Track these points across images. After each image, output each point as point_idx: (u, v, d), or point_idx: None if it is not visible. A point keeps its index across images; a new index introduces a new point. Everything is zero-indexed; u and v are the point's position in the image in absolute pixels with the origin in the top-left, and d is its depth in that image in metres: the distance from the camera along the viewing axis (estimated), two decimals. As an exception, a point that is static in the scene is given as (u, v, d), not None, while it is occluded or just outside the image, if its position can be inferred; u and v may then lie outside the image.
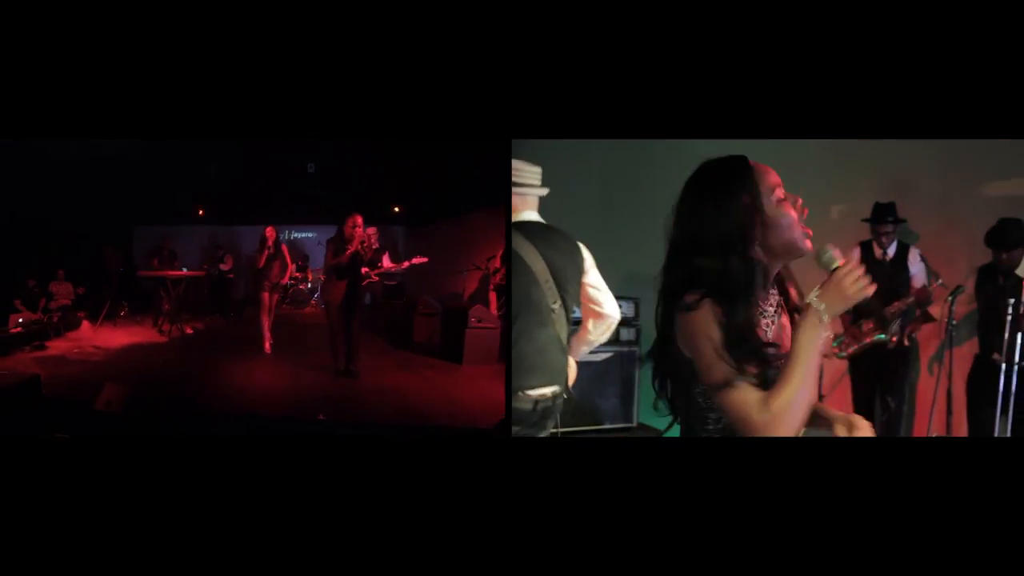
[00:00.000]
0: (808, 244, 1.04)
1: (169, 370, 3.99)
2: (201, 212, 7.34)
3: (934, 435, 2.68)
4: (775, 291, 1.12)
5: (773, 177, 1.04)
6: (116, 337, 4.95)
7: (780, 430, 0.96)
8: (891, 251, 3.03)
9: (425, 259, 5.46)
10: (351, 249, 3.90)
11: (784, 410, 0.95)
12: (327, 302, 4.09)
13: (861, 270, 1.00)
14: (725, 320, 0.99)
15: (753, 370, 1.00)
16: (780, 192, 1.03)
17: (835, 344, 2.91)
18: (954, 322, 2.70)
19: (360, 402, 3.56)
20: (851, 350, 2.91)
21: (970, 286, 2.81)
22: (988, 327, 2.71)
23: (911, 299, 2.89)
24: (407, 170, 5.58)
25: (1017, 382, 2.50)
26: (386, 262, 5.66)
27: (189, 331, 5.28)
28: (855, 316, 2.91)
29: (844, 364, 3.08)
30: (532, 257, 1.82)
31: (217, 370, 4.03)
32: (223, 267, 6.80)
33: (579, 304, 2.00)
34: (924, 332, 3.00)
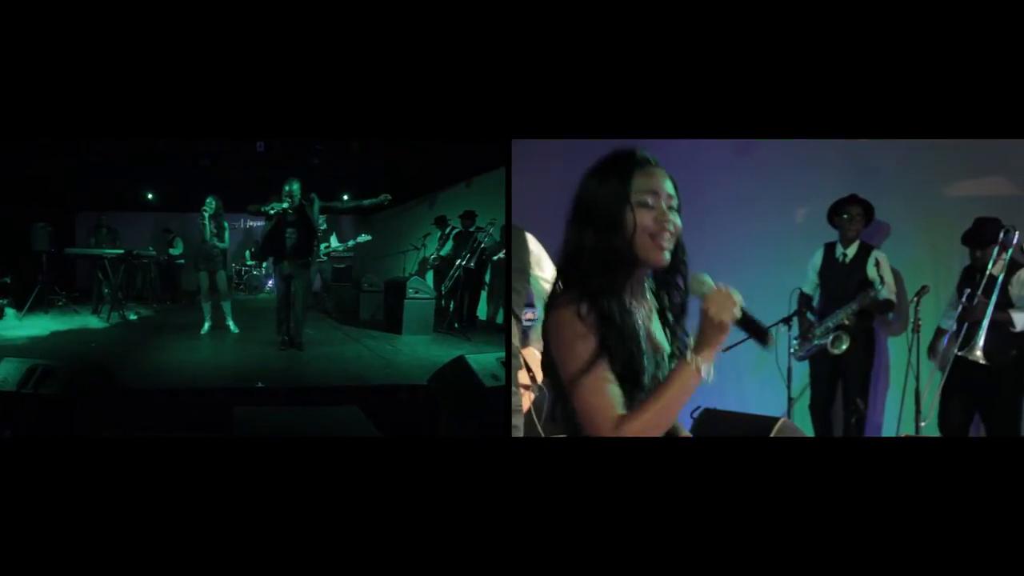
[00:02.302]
0: (658, 258, 0.92)
1: (102, 352, 3.44)
2: (149, 196, 6.57)
3: (903, 435, 2.42)
4: (645, 301, 0.98)
5: (653, 181, 0.92)
6: (46, 325, 4.09)
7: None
8: (851, 251, 2.65)
9: (369, 237, 5.21)
10: (278, 208, 3.44)
11: (634, 434, 0.86)
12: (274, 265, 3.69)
13: (725, 293, 0.89)
14: (610, 310, 0.89)
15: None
16: (649, 198, 0.91)
17: (793, 348, 2.66)
18: (920, 322, 2.42)
19: (302, 369, 3.26)
20: (802, 354, 2.65)
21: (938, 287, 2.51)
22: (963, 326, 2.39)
23: (854, 306, 2.54)
24: (354, 160, 5.25)
25: (956, 370, 2.27)
26: (334, 242, 5.32)
27: (134, 316, 4.59)
28: (818, 318, 2.64)
29: (808, 368, 2.75)
30: None
31: (155, 350, 3.56)
32: (172, 250, 6.09)
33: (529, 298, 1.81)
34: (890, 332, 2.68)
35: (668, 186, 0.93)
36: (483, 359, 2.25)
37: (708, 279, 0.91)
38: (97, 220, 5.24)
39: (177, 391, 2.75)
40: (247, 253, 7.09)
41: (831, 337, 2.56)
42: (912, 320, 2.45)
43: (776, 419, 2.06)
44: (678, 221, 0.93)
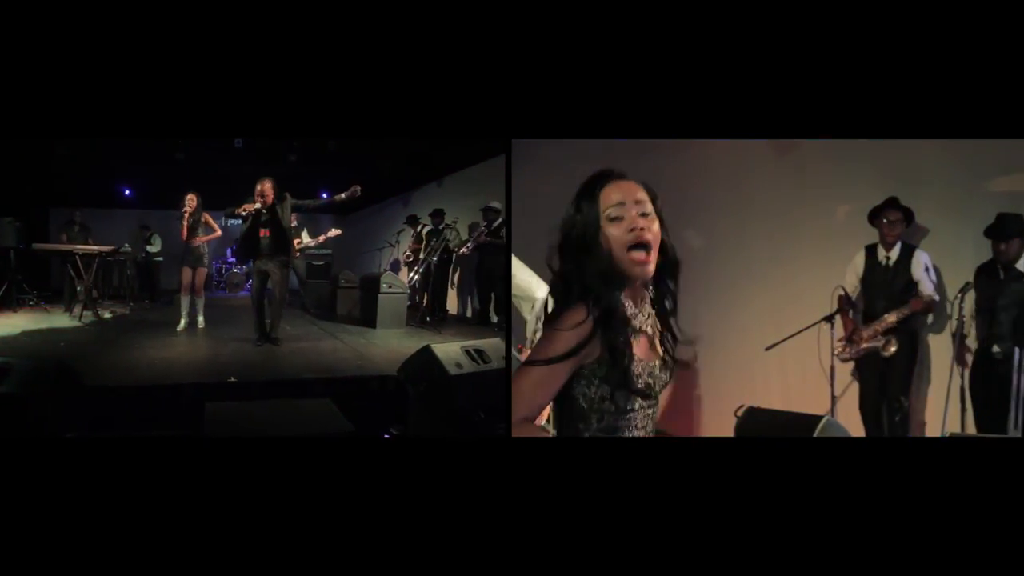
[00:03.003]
0: (642, 272, 0.89)
1: (71, 350, 3.27)
2: (127, 192, 6.28)
3: (948, 433, 2.24)
4: (646, 306, 0.95)
5: (619, 192, 0.89)
6: (15, 324, 3.79)
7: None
8: (894, 253, 2.52)
9: (339, 231, 5.11)
10: (250, 208, 3.37)
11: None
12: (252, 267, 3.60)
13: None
14: (604, 329, 0.87)
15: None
16: (616, 211, 0.88)
17: (837, 349, 2.54)
18: (963, 319, 2.27)
19: (277, 364, 3.17)
20: (848, 356, 2.55)
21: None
22: (987, 323, 2.29)
23: (907, 311, 2.42)
24: (330, 158, 5.14)
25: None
26: (305, 237, 5.24)
27: (108, 315, 4.34)
28: (858, 322, 2.53)
29: (851, 366, 2.64)
30: None
31: (127, 347, 3.40)
32: (150, 248, 5.82)
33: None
34: (935, 330, 2.52)
35: (639, 194, 0.90)
36: (448, 348, 2.24)
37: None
38: (70, 216, 4.94)
39: (147, 388, 2.64)
40: (228, 251, 6.87)
41: (883, 341, 2.48)
42: (955, 318, 2.30)
43: (820, 418, 1.97)
44: (655, 227, 0.89)
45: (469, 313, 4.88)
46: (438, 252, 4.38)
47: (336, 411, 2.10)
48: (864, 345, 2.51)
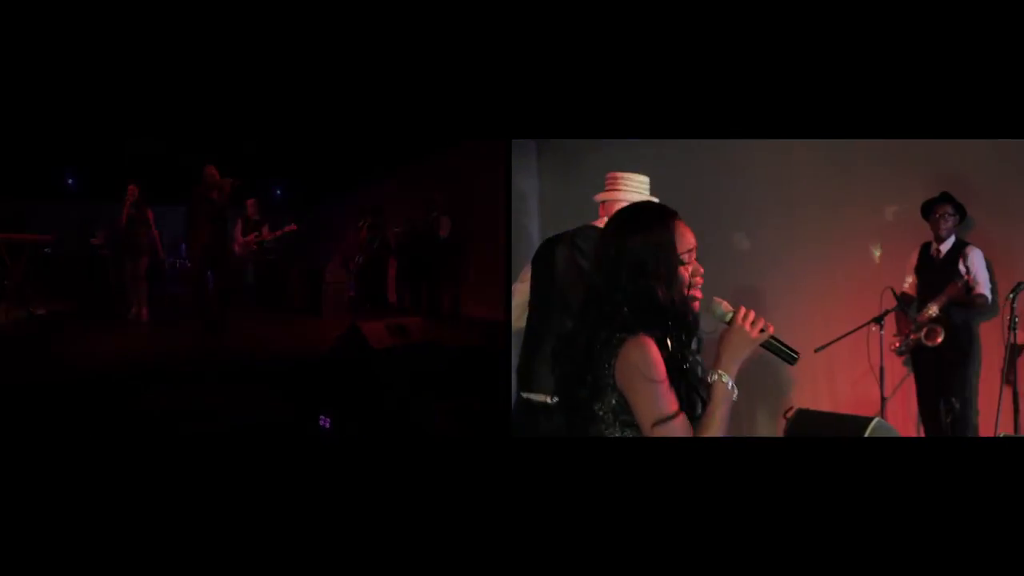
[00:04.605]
0: (692, 306, 0.90)
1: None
2: (71, 181, 5.65)
3: (1002, 434, 2.10)
4: None
5: (689, 238, 0.90)
6: None
7: None
8: (945, 247, 2.35)
9: (295, 227, 4.93)
10: (205, 193, 3.17)
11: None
12: (189, 250, 3.35)
13: (753, 313, 0.88)
14: (675, 352, 0.86)
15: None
16: (687, 256, 0.89)
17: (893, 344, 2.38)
18: (1015, 319, 2.09)
19: (217, 352, 2.99)
20: (902, 349, 2.37)
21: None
22: None
23: (944, 299, 2.26)
24: (283, 154, 4.88)
25: None
26: (266, 232, 5.01)
27: (41, 311, 3.82)
28: (910, 314, 2.35)
29: (904, 368, 2.43)
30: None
31: (57, 343, 3.09)
32: (94, 242, 5.28)
33: None
34: (986, 330, 2.31)
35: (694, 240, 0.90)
36: (372, 326, 2.32)
37: (727, 307, 0.89)
38: None
39: (70, 384, 2.38)
40: (182, 247, 6.39)
41: (924, 330, 2.32)
42: (1009, 317, 2.13)
43: (870, 419, 1.82)
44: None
45: (407, 302, 4.88)
46: (382, 245, 4.38)
47: (272, 395, 2.01)
48: (913, 336, 2.35)
